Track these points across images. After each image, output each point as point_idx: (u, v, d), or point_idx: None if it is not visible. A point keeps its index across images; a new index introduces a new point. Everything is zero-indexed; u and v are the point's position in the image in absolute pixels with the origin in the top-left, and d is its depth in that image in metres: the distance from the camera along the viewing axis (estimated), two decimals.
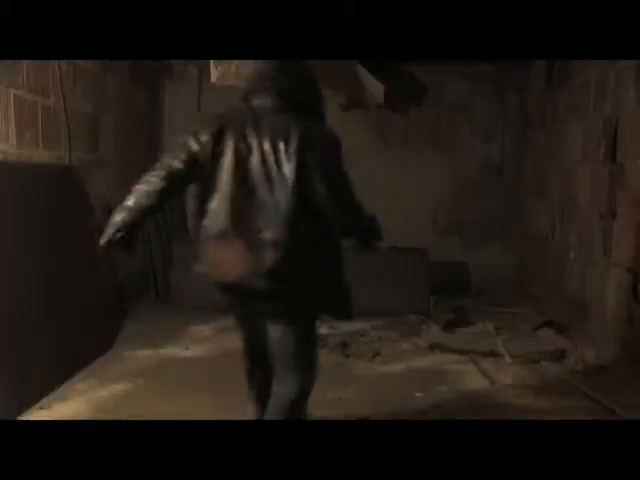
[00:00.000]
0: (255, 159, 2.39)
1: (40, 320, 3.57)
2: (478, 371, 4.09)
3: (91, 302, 4.30)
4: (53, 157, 4.39)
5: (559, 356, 4.34)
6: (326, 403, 3.46)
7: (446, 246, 6.61)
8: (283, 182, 2.36)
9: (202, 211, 2.45)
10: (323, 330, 4.85)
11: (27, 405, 3.23)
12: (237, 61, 3.67)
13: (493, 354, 4.39)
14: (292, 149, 2.37)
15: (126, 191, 2.43)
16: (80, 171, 4.69)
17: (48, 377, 3.52)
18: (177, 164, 2.38)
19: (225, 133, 2.41)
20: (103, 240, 2.38)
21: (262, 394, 2.88)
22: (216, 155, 2.40)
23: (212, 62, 3.70)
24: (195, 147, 2.39)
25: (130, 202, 2.37)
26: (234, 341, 4.66)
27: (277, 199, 2.36)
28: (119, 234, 2.35)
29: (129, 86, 5.93)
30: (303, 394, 2.69)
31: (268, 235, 2.35)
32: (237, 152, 2.39)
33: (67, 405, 3.34)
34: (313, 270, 2.46)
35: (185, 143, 2.40)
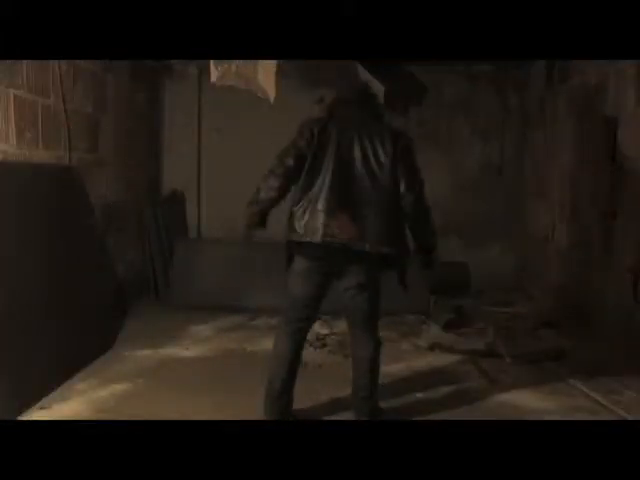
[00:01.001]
0: (356, 151, 3.00)
1: (40, 320, 3.57)
2: (478, 371, 4.09)
3: (91, 302, 4.30)
4: (53, 157, 4.39)
5: (559, 356, 4.34)
6: (326, 403, 3.46)
7: (446, 246, 6.61)
8: (380, 169, 2.99)
9: (308, 191, 2.96)
10: (323, 330, 4.86)
11: (27, 405, 3.23)
12: (237, 61, 3.67)
13: (493, 354, 4.39)
14: (388, 144, 3.00)
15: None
16: (80, 171, 4.69)
17: (48, 377, 3.52)
18: (290, 161, 3.00)
19: (328, 130, 3.00)
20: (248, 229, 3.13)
21: (281, 399, 3.12)
22: (322, 148, 2.98)
23: (212, 62, 3.70)
24: (302, 144, 2.99)
25: (260, 195, 3.05)
26: (234, 341, 4.69)
27: (374, 182, 2.98)
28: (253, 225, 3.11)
29: (129, 86, 5.93)
30: (379, 351, 3.19)
31: (368, 209, 2.95)
32: (340, 145, 2.99)
33: (67, 405, 3.34)
34: (401, 238, 3.08)
35: (294, 143, 3.01)
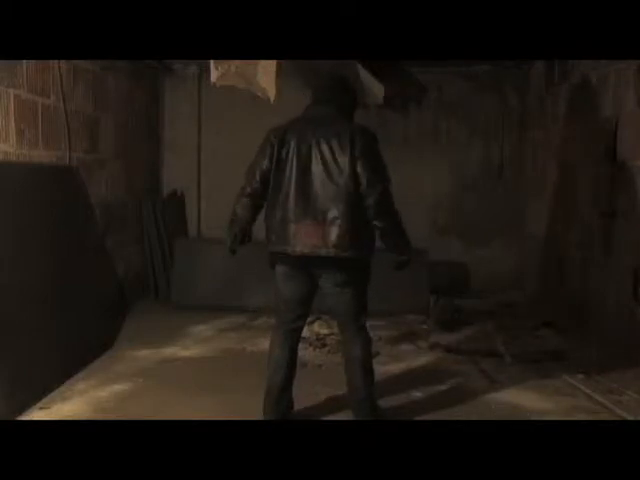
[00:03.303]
0: (315, 155, 2.98)
1: (40, 320, 3.57)
2: (478, 371, 4.09)
3: (91, 302, 4.30)
4: (53, 157, 4.39)
5: (559, 356, 4.34)
6: (326, 403, 3.46)
7: (446, 246, 6.61)
8: (340, 172, 2.95)
9: (276, 203, 3.01)
10: (323, 330, 4.86)
11: (27, 405, 3.23)
12: (237, 61, 3.67)
13: (493, 354, 4.39)
14: (345, 145, 2.96)
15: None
16: (80, 171, 4.69)
17: (48, 377, 3.52)
18: (256, 183, 3.07)
19: (286, 140, 3.00)
20: (231, 246, 3.19)
21: (280, 404, 3.14)
22: (283, 160, 3.00)
23: (212, 62, 3.70)
24: (265, 163, 3.03)
25: (237, 215, 3.15)
26: (234, 341, 4.69)
27: (336, 185, 2.95)
28: (236, 242, 3.17)
29: (129, 86, 5.93)
30: (369, 350, 3.18)
31: (332, 214, 2.94)
32: (299, 153, 2.98)
33: (67, 405, 3.34)
34: (368, 239, 3.07)
35: (258, 161, 3.05)
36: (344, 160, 2.95)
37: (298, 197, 2.97)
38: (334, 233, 2.94)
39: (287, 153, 3.00)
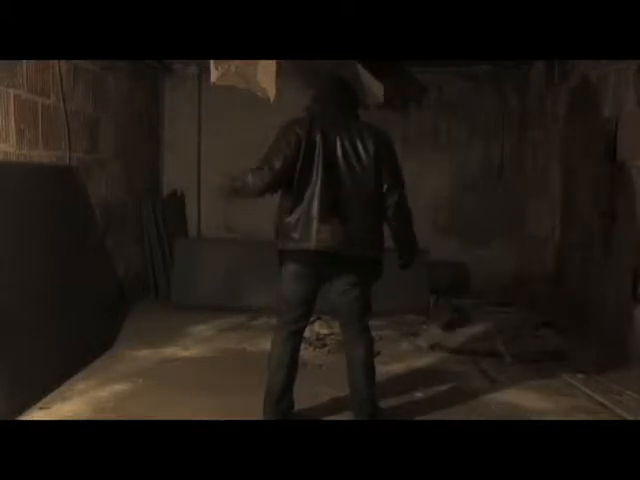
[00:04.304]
0: (339, 152, 2.98)
1: (40, 320, 3.57)
2: (478, 371, 4.09)
3: (91, 302, 4.30)
4: (53, 157, 4.39)
5: (559, 356, 4.34)
6: (326, 403, 3.46)
7: (446, 246, 6.61)
8: (364, 171, 2.98)
9: (297, 199, 2.95)
10: (323, 330, 4.86)
11: (27, 405, 3.23)
12: (237, 61, 3.67)
13: (493, 354, 4.39)
14: (369, 145, 2.99)
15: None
16: (80, 171, 4.69)
17: (48, 377, 3.52)
18: (277, 164, 2.94)
19: (313, 134, 2.95)
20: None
21: (280, 404, 3.12)
22: (310, 154, 2.94)
23: (212, 62, 3.70)
24: (289, 152, 2.94)
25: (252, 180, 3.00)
26: (234, 341, 4.69)
27: (360, 185, 2.98)
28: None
29: (129, 86, 5.93)
30: (372, 350, 3.20)
31: (357, 213, 2.97)
32: (325, 149, 2.96)
33: (67, 405, 3.34)
34: (382, 237, 3.08)
35: (280, 149, 2.96)
36: (369, 160, 2.98)
37: (323, 195, 2.94)
38: (356, 232, 2.96)
39: (314, 147, 2.96)
